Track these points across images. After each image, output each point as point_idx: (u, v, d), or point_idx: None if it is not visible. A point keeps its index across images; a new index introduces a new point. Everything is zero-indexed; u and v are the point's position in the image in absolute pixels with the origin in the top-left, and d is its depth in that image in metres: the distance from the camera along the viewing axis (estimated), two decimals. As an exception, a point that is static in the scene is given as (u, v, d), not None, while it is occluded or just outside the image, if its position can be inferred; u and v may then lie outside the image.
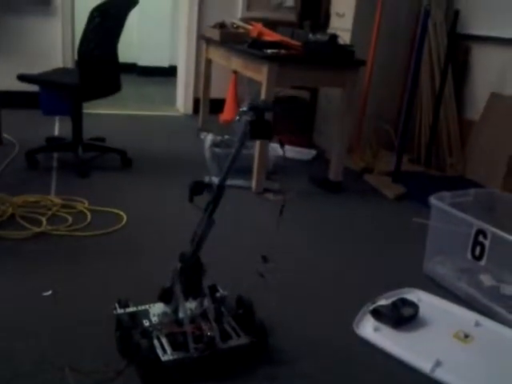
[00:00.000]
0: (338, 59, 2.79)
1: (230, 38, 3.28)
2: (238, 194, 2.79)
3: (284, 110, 3.79)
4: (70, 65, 4.08)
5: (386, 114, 3.69)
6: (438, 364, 1.50)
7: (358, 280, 2.02)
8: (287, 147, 3.62)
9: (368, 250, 2.30)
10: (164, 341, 1.40)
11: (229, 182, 3.14)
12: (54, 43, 4.10)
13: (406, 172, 3.26)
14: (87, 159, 3.05)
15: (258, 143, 2.78)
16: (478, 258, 1.85)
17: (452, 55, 3.36)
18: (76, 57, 2.82)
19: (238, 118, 1.39)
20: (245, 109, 1.37)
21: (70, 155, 3.00)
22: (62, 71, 3.23)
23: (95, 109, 4.15)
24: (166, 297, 1.51)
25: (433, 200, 2.01)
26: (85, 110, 3.06)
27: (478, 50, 3.46)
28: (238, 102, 4.56)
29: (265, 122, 1.38)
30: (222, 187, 1.42)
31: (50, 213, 2.30)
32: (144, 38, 6.36)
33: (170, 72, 6.26)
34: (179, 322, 1.45)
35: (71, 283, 1.79)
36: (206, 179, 2.92)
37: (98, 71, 2.81)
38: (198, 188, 1.41)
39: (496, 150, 3.10)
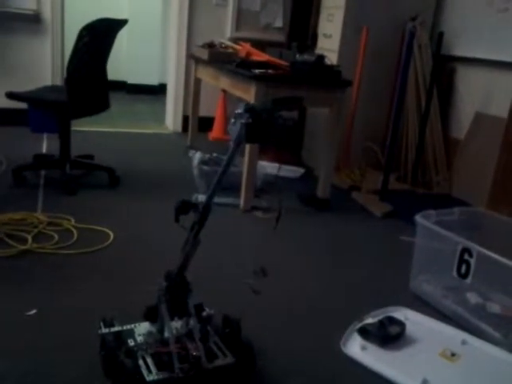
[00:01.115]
0: (325, 79, 2.83)
1: (219, 58, 3.31)
2: (226, 211, 2.79)
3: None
4: (58, 82, 4.09)
5: (373, 134, 3.73)
6: (424, 383, 1.50)
7: (345, 298, 2.02)
8: (275, 165, 3.64)
9: (355, 267, 2.31)
10: (149, 360, 1.38)
11: (217, 199, 3.13)
12: (43, 61, 4.11)
13: (393, 190, 3.29)
14: (75, 177, 3.04)
15: (246, 161, 2.79)
16: (464, 276, 1.86)
17: (437, 76, 3.42)
18: (65, 74, 2.82)
19: (233, 120, 1.31)
20: (240, 111, 1.28)
21: (58, 172, 2.98)
22: (51, 89, 3.23)
23: (84, 126, 4.15)
24: (151, 315, 1.49)
25: (418, 218, 2.03)
26: (73, 128, 3.06)
27: (463, 71, 3.52)
28: (227, 120, 4.59)
29: (262, 124, 1.29)
30: (208, 207, 1.41)
31: (35, 230, 2.28)
32: (133, 57, 6.40)
33: (159, 90, 6.29)
34: (164, 342, 1.44)
35: (56, 302, 1.76)
36: (194, 197, 2.93)
37: (86, 89, 2.82)
38: (184, 207, 1.39)
39: (481, 168, 3.15)
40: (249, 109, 1.29)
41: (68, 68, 2.70)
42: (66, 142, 2.98)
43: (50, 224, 2.37)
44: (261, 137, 1.32)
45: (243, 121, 1.29)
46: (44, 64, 4.12)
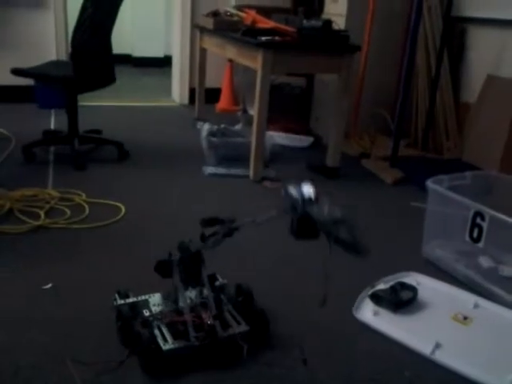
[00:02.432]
0: (332, 45, 2.77)
1: (224, 27, 3.25)
2: (236, 182, 2.79)
3: (280, 97, 3.78)
4: (63, 57, 4.05)
5: (383, 99, 3.67)
6: (437, 346, 1.51)
7: (357, 265, 2.02)
8: (283, 134, 3.62)
9: (366, 234, 2.30)
10: (164, 330, 1.41)
11: (226, 171, 3.14)
12: (47, 35, 4.08)
13: (404, 156, 3.26)
14: (84, 152, 3.05)
15: (254, 131, 2.78)
16: (476, 241, 1.85)
17: (447, 38, 3.34)
18: (69, 49, 2.80)
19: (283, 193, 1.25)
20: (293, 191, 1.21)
21: (67, 148, 2.99)
22: (56, 64, 3.22)
23: (91, 101, 4.13)
24: (161, 269, 1.50)
25: (430, 184, 2.01)
26: (80, 103, 3.05)
27: (474, 32, 3.44)
28: (233, 91, 4.55)
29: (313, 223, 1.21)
30: (235, 229, 1.40)
31: (47, 206, 2.30)
32: (138, 29, 6.32)
33: (165, 62, 6.22)
34: (179, 312, 1.46)
35: (71, 276, 1.79)
36: (203, 170, 2.92)
37: (91, 63, 2.79)
38: (209, 224, 1.39)
39: (493, 131, 3.10)
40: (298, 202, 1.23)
41: (72, 42, 2.67)
42: (74, 118, 2.97)
43: (61, 199, 2.39)
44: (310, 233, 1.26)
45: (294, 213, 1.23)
46: (48, 38, 4.08)
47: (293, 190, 1.23)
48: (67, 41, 4.02)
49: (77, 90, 2.91)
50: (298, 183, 1.24)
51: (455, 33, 3.47)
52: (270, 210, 1.31)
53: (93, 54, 2.79)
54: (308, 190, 1.22)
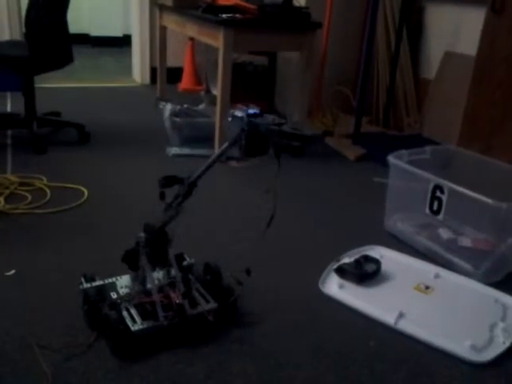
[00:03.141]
0: (293, 22, 2.77)
1: (184, 3, 3.19)
2: (201, 162, 2.77)
3: (243, 76, 3.76)
4: (18, 37, 3.91)
5: (345, 77, 3.70)
6: (401, 316, 1.56)
7: (322, 240, 2.06)
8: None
9: (330, 210, 2.34)
10: (133, 311, 1.40)
11: (191, 151, 3.11)
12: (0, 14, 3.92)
13: (366, 133, 3.31)
14: (43, 135, 2.97)
15: (218, 111, 2.76)
16: (436, 213, 1.91)
17: (406, 16, 3.38)
18: (23, 28, 2.70)
19: (230, 119, 1.31)
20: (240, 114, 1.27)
21: (25, 132, 2.90)
22: (10, 44, 3.10)
23: (48, 83, 4.00)
24: (129, 259, 1.49)
25: (391, 158, 2.05)
26: (37, 85, 2.95)
27: (432, 10, 3.48)
28: (196, 70, 4.49)
29: (261, 136, 1.24)
30: (194, 183, 1.40)
31: (7, 192, 2.24)
32: (95, 8, 6.12)
33: (124, 41, 6.07)
34: (147, 293, 1.46)
35: (34, 261, 1.76)
36: (167, 150, 2.90)
37: (47, 42, 2.70)
38: (168, 182, 1.38)
39: (451, 107, 3.17)
40: (249, 122, 1.26)
41: (26, 20, 2.58)
42: (31, 100, 2.88)
43: (21, 184, 2.32)
44: (261, 149, 1.29)
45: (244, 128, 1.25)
46: (0, 18, 3.92)
47: (239, 113, 1.27)
48: (21, 20, 3.87)
49: (32, 70, 2.81)
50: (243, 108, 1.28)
51: (414, 10, 3.52)
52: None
53: (48, 33, 2.69)
54: (252, 109, 1.28)
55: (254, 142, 1.23)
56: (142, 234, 1.44)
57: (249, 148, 1.26)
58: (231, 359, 1.37)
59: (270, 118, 1.31)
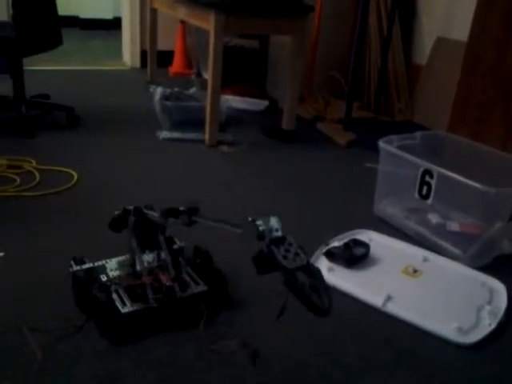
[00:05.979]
0: (286, 5, 2.74)
1: (175, -14, 3.16)
2: (192, 147, 2.77)
3: (235, 59, 3.73)
4: (5, 18, 3.85)
5: (337, 62, 3.69)
6: (388, 298, 1.58)
7: (312, 224, 2.07)
8: (239, 98, 3.59)
9: (321, 195, 2.35)
10: (123, 294, 1.41)
11: (181, 135, 3.10)
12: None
13: (357, 119, 3.31)
14: (32, 118, 2.94)
15: (209, 95, 2.74)
16: (425, 197, 1.92)
17: (399, 0, 3.36)
18: (10, 9, 2.65)
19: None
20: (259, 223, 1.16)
21: (13, 114, 2.87)
22: (-3, 25, 3.04)
23: (37, 65, 3.95)
24: (115, 225, 1.49)
25: (381, 144, 2.06)
26: (26, 67, 2.91)
27: (424, -6, 3.47)
28: (187, 54, 4.45)
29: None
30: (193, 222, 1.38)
31: (-4, 174, 2.23)
32: (84, -11, 6.05)
33: (114, 24, 6.00)
34: (137, 275, 1.46)
35: (23, 244, 1.75)
36: (157, 134, 2.89)
37: (35, 23, 2.66)
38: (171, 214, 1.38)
39: (442, 93, 3.18)
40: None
41: (13, 2, 2.53)
42: (20, 82, 2.85)
43: (10, 167, 2.31)
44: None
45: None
46: (-13, -2, 3.86)
47: (260, 222, 1.22)
48: (8, 0, 3.81)
49: (20, 52, 2.77)
50: (266, 217, 1.23)
51: (406, -6, 3.50)
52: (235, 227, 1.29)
53: (36, 14, 2.65)
54: (273, 226, 1.22)
55: (266, 264, 1.22)
56: (132, 217, 1.44)
57: (261, 269, 1.22)
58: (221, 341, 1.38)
59: (292, 247, 1.20)
